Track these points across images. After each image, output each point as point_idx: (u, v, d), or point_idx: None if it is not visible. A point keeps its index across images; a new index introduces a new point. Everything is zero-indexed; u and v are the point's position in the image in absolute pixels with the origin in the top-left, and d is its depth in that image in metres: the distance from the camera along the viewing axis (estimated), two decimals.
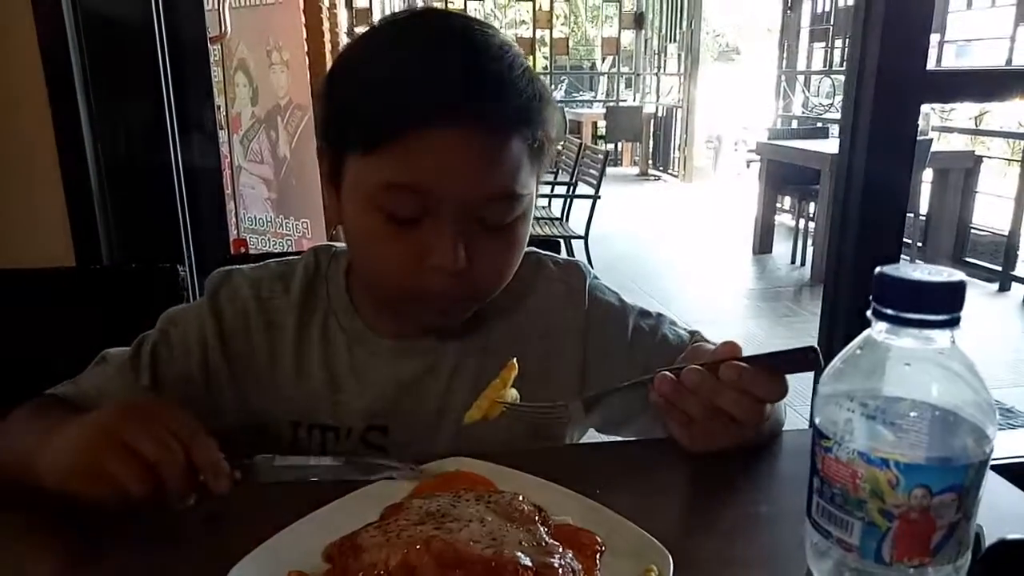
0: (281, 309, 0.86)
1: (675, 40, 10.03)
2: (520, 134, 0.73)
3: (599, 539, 0.62)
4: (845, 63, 6.48)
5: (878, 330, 0.39)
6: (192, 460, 0.61)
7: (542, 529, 0.62)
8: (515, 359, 0.75)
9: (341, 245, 0.91)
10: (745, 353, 0.71)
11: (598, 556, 0.61)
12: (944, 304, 0.37)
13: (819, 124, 6.84)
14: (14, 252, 1.53)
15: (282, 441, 0.84)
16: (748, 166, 9.01)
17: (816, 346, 0.65)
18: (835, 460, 0.38)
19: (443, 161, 0.70)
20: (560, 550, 0.59)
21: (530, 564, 0.56)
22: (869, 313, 0.39)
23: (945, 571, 0.38)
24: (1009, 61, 5.25)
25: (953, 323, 0.37)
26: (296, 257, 0.91)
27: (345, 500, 0.66)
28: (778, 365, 0.67)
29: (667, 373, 0.67)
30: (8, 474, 0.69)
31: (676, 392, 0.67)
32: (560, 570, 0.57)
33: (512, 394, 0.74)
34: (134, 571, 0.61)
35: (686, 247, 6.32)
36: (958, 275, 0.37)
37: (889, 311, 0.37)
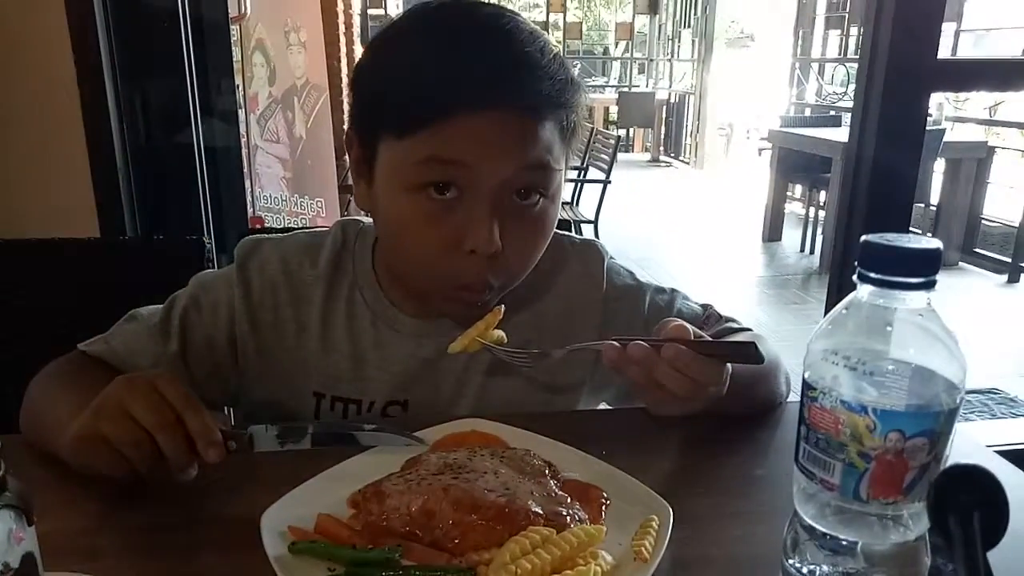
0: (309, 282, 0.88)
1: (689, 26, 9.99)
2: (554, 116, 0.76)
3: (604, 493, 0.67)
4: (859, 51, 6.45)
5: (863, 292, 0.43)
6: (186, 428, 0.63)
7: (552, 482, 0.66)
8: (502, 306, 0.79)
9: (368, 220, 0.92)
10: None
11: (603, 508, 0.65)
12: (921, 268, 0.40)
13: (832, 112, 6.81)
14: (42, 226, 1.58)
15: (305, 412, 0.88)
16: (760, 154, 8.97)
17: (756, 344, 0.69)
18: (820, 408, 0.42)
19: (481, 140, 0.73)
20: (568, 500, 0.64)
21: (540, 512, 0.61)
22: (855, 277, 0.43)
23: (916, 508, 0.42)
24: None
25: (929, 285, 0.41)
26: (324, 229, 0.93)
27: (367, 455, 0.71)
28: (717, 353, 0.71)
29: (614, 342, 0.71)
30: (42, 444, 0.73)
31: (621, 361, 0.70)
32: (568, 518, 0.61)
33: (497, 334, 0.78)
34: (162, 523, 0.65)
35: (696, 233, 6.33)
36: (935, 243, 0.41)
37: (872, 274, 0.41)
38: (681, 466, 0.78)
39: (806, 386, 0.44)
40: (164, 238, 1.31)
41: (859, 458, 0.41)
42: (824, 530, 0.45)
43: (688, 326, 0.70)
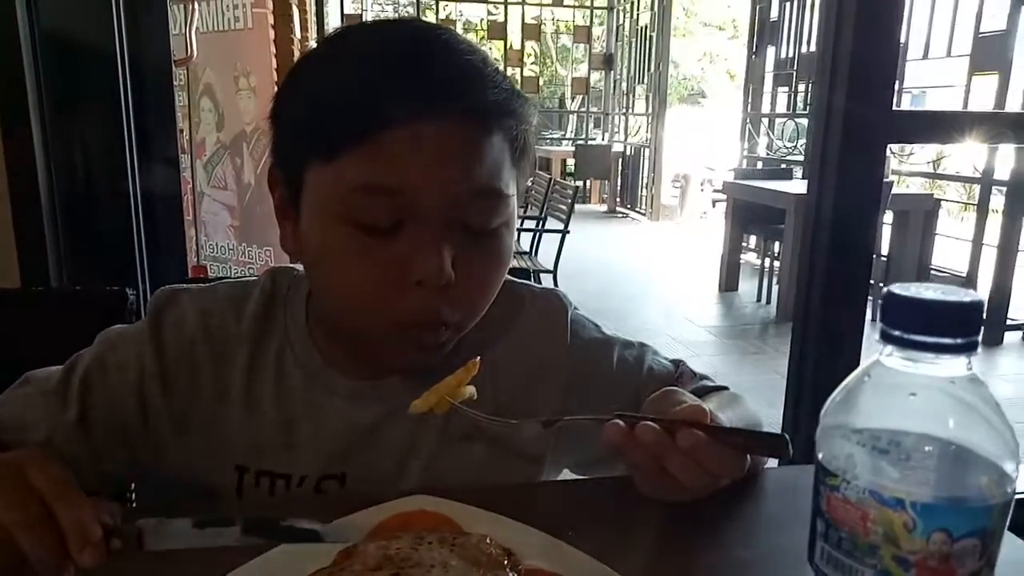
0: (232, 340, 0.78)
1: (643, 82, 10.23)
2: (501, 127, 0.68)
3: None
4: (809, 105, 6.65)
5: (886, 354, 0.35)
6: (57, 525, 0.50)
7: (512, 575, 0.57)
8: (478, 358, 0.68)
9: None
10: None
11: None
12: (959, 327, 0.33)
13: (783, 165, 6.98)
14: None
15: (226, 488, 0.76)
16: (714, 205, 9.14)
17: (787, 436, 0.61)
18: (843, 500, 0.34)
19: (422, 157, 0.64)
20: None
21: None
22: (876, 337, 0.35)
23: None
24: (965, 106, 5.42)
25: (969, 348, 0.33)
26: (252, 279, 0.83)
27: (291, 545, 0.60)
28: (741, 444, 0.63)
29: (619, 422, 0.63)
30: None
31: (625, 443, 0.62)
32: None
33: (469, 391, 0.68)
34: None
35: (653, 284, 6.35)
36: (974, 295, 0.34)
37: (897, 332, 0.34)
38: (658, 549, 0.68)
39: (822, 471, 0.36)
40: (84, 289, 1.20)
41: (895, 564, 0.33)
42: None
43: (705, 407, 0.62)
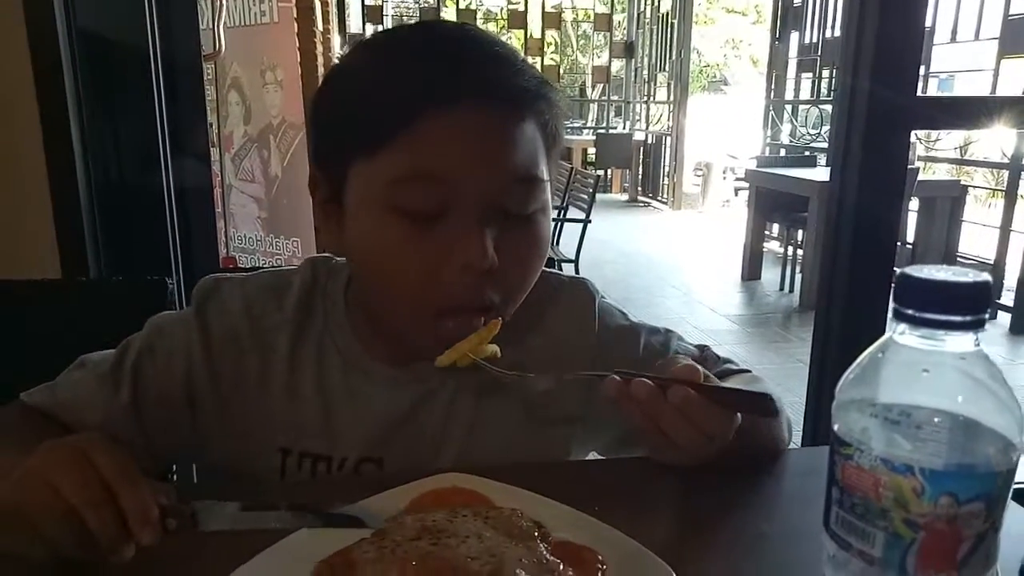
0: (274, 327, 0.80)
1: (664, 69, 10.16)
2: (534, 113, 0.70)
3: (600, 556, 0.60)
4: (833, 92, 6.58)
5: (899, 332, 0.37)
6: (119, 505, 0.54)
7: (542, 546, 0.60)
8: (500, 318, 0.71)
9: (341, 259, 0.86)
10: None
11: (600, 574, 0.58)
12: (968, 305, 0.35)
13: (807, 153, 6.91)
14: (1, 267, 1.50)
15: (270, 469, 0.79)
16: (736, 194, 9.08)
17: (771, 395, 0.62)
18: (856, 468, 0.37)
19: (462, 143, 0.67)
20: (561, 567, 0.57)
21: None
22: (890, 315, 0.37)
23: None
24: (993, 91, 5.33)
25: (977, 325, 0.36)
26: (291, 268, 0.86)
27: None
28: (731, 402, 0.65)
29: (616, 377, 0.64)
30: None
31: (621, 396, 0.64)
32: None
33: (491, 349, 0.71)
34: None
35: (675, 273, 6.33)
36: (983, 276, 0.36)
37: (910, 311, 0.36)
38: (681, 523, 0.71)
39: (837, 441, 0.38)
40: (125, 279, 1.25)
41: (905, 527, 0.35)
42: None
43: (699, 367, 0.64)
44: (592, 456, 0.93)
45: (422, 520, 0.61)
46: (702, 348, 0.90)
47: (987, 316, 0.36)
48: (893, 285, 0.37)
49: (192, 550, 0.59)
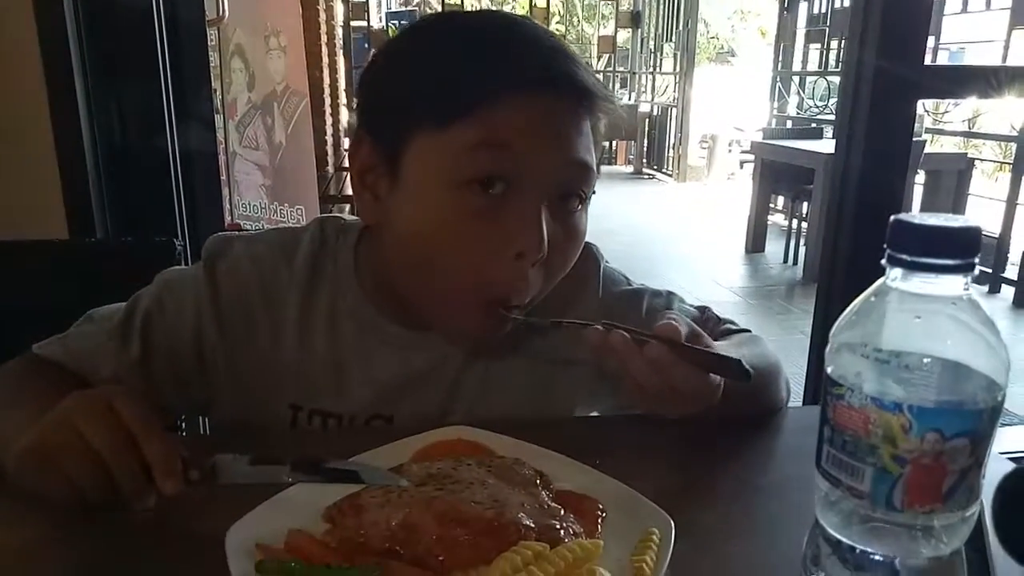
0: (284, 285, 0.81)
1: (671, 40, 10.05)
2: (592, 111, 0.73)
3: (600, 505, 0.62)
4: (841, 63, 6.51)
5: (892, 277, 0.39)
6: (142, 456, 0.56)
7: (544, 493, 0.62)
8: None
9: (350, 218, 0.87)
10: None
11: (600, 520, 0.60)
12: (957, 249, 0.37)
13: (813, 125, 6.86)
14: (8, 227, 1.52)
15: (280, 426, 0.81)
16: (742, 166, 9.04)
17: (742, 361, 0.63)
18: (847, 407, 0.38)
19: (534, 121, 0.69)
20: (562, 513, 0.59)
21: (532, 525, 0.56)
22: (883, 261, 0.39)
23: (954, 518, 0.38)
24: (1004, 62, 5.28)
25: (967, 268, 0.37)
26: (300, 227, 0.86)
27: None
28: (703, 363, 0.66)
29: (598, 327, 0.65)
30: None
31: (601, 347, 0.65)
32: (562, 531, 0.56)
33: None
34: (114, 542, 0.59)
35: (679, 245, 6.33)
36: (972, 222, 0.37)
37: (903, 256, 0.37)
38: (679, 476, 0.73)
39: (830, 382, 0.40)
40: (133, 240, 1.26)
41: (892, 462, 0.37)
42: (851, 543, 0.40)
43: (679, 326, 0.64)
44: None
45: (428, 468, 0.63)
46: (703, 309, 0.91)
47: (976, 261, 0.37)
48: (887, 231, 0.38)
49: (208, 499, 0.61)
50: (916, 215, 0.38)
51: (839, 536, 0.41)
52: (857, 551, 0.40)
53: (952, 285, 0.37)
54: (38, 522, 0.61)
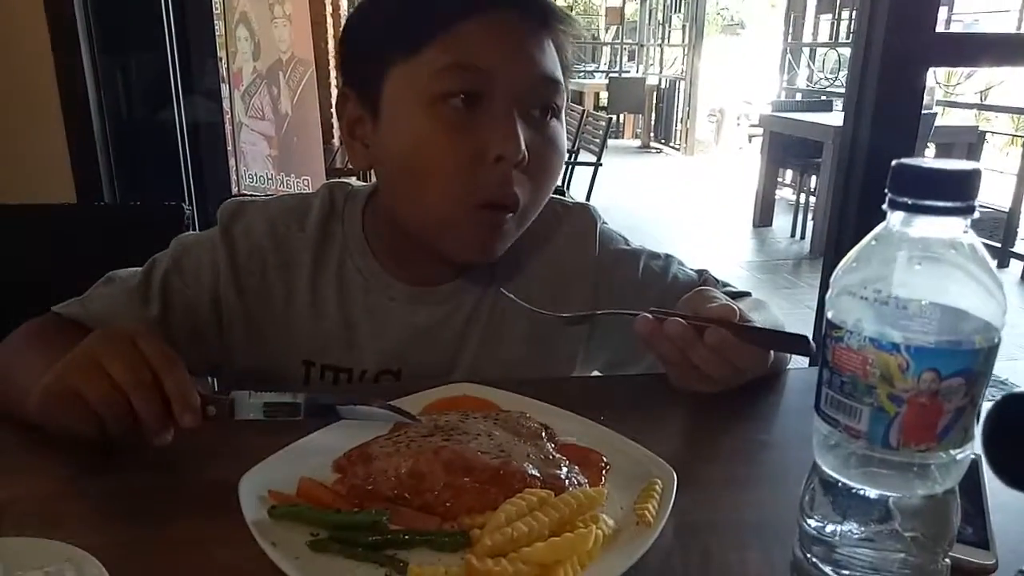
0: (297, 246, 0.84)
1: (679, 12, 9.93)
2: (554, 32, 0.77)
3: (604, 457, 0.63)
4: (852, 34, 6.43)
5: (894, 221, 0.39)
6: (163, 390, 0.58)
7: (548, 445, 0.63)
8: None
9: (358, 183, 0.90)
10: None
11: (603, 472, 0.62)
12: (958, 191, 0.37)
13: (823, 97, 6.79)
14: (16, 192, 1.53)
15: (294, 381, 0.84)
16: (750, 140, 8.96)
17: (810, 337, 0.65)
18: (846, 348, 0.39)
19: (499, 40, 0.74)
20: (566, 463, 0.60)
21: (537, 474, 0.57)
22: (885, 205, 0.39)
23: (946, 459, 0.39)
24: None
25: (967, 211, 0.37)
26: (311, 192, 0.89)
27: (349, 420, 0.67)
28: (767, 343, 0.68)
29: (648, 315, 0.68)
30: (8, 405, 0.69)
31: (653, 336, 0.68)
32: (566, 480, 0.58)
33: None
34: (133, 488, 0.61)
35: (686, 219, 6.31)
36: (972, 164, 0.38)
37: (905, 199, 0.38)
38: (683, 432, 0.74)
39: (830, 325, 0.40)
40: (142, 204, 1.27)
41: (889, 401, 0.38)
42: (848, 482, 0.41)
43: (735, 307, 0.68)
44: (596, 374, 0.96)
45: (435, 420, 0.64)
46: (701, 272, 0.92)
47: (976, 204, 0.38)
48: (889, 175, 0.38)
49: (221, 448, 0.62)
50: (917, 160, 0.38)
51: (837, 476, 0.42)
52: (853, 491, 0.41)
53: (952, 227, 0.38)
54: (55, 470, 0.62)
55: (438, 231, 0.78)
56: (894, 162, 0.38)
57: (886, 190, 0.39)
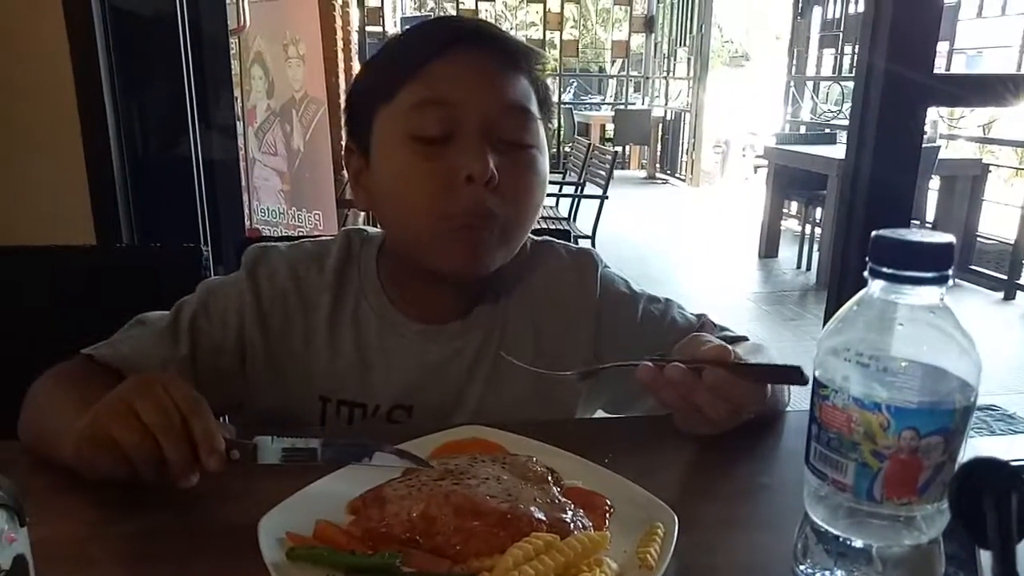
0: (316, 289, 0.89)
1: (685, 45, 10.06)
2: (526, 71, 0.84)
3: (608, 500, 0.65)
4: (854, 68, 6.49)
5: (874, 288, 0.42)
6: (189, 433, 0.61)
7: (555, 489, 0.65)
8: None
9: (372, 229, 0.95)
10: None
11: (607, 515, 0.64)
12: (934, 262, 0.40)
13: (827, 130, 6.85)
14: (38, 234, 1.57)
15: (310, 416, 0.87)
16: (755, 171, 9.03)
17: (801, 367, 0.67)
18: (832, 407, 0.41)
19: (464, 76, 0.81)
20: (571, 507, 0.63)
21: (543, 518, 0.60)
22: (866, 273, 0.42)
23: (929, 510, 0.42)
24: (1019, 68, 5.25)
25: (941, 280, 0.40)
26: (329, 238, 0.95)
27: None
28: (762, 377, 0.70)
29: (649, 363, 0.71)
30: (42, 448, 0.72)
31: (656, 383, 0.71)
32: (571, 524, 0.60)
33: None
34: (157, 530, 0.64)
35: (692, 250, 6.34)
36: (947, 237, 0.41)
37: (884, 269, 0.40)
38: (685, 475, 0.77)
39: (817, 384, 0.43)
40: (161, 246, 1.30)
41: (872, 457, 0.40)
42: (836, 533, 0.44)
43: (729, 348, 0.71)
44: (600, 416, 0.99)
45: (445, 464, 0.67)
46: (699, 317, 0.95)
47: (951, 273, 0.41)
48: (869, 245, 0.41)
49: (242, 482, 0.65)
50: (896, 231, 0.41)
51: (826, 527, 0.44)
52: (840, 540, 0.43)
53: (929, 295, 0.41)
54: (84, 513, 0.65)
55: (426, 251, 0.84)
56: (874, 233, 0.41)
57: (867, 259, 0.42)
